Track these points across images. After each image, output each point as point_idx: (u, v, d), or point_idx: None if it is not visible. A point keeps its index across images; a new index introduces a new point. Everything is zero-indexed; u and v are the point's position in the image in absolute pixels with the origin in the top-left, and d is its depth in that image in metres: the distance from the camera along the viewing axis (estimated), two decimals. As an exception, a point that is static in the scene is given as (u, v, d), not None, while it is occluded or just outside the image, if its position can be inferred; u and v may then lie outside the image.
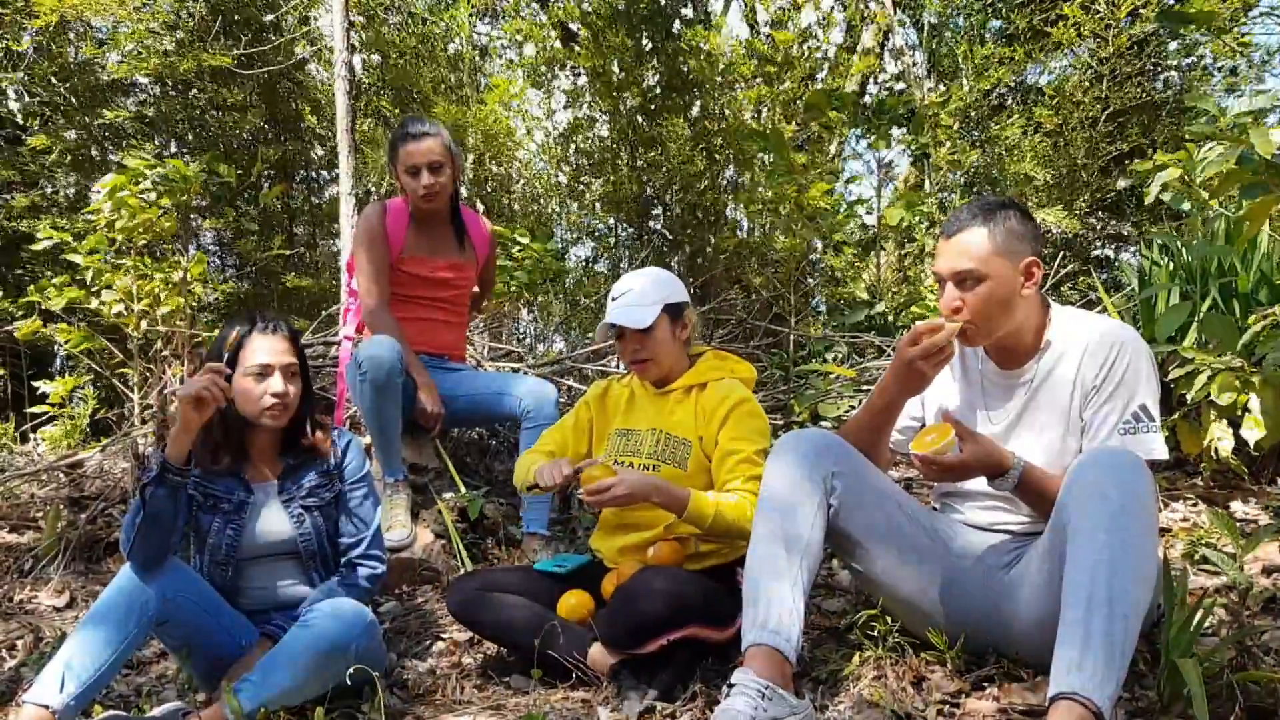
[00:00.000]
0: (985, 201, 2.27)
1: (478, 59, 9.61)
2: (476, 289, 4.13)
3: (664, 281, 2.73)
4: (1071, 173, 7.61)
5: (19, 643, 3.11)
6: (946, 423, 2.13)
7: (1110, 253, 8.90)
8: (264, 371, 2.52)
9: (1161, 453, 2.15)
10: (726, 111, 8.14)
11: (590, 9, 8.35)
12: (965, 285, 2.22)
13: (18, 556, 3.77)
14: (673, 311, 2.70)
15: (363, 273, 3.72)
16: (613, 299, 2.70)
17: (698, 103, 8.37)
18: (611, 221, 9.86)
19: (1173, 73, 8.23)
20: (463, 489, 3.75)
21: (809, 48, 8.13)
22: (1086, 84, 7.60)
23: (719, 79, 8.00)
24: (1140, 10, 7.18)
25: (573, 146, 9.37)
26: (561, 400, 3.87)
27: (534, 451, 2.87)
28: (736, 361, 2.82)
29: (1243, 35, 7.20)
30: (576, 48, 8.70)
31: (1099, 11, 7.24)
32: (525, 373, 5.04)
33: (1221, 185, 2.43)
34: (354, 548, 2.67)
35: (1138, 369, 2.17)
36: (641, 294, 2.67)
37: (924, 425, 2.49)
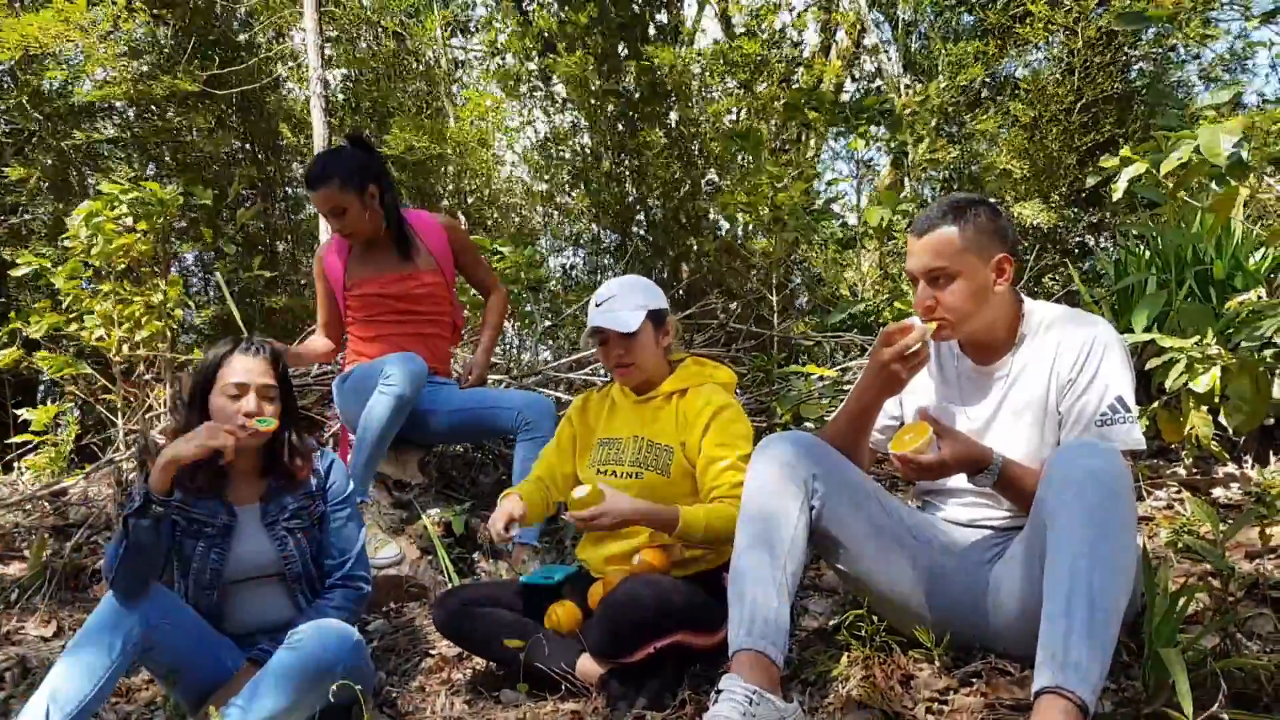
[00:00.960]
0: (954, 199, 2.29)
1: (453, 71, 9.61)
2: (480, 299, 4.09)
3: (646, 288, 2.75)
4: (1049, 165, 7.65)
5: (7, 675, 3.10)
6: (924, 421, 2.13)
7: (1090, 240, 8.94)
8: (239, 391, 2.52)
9: (1138, 443, 2.16)
10: (702, 116, 8.16)
11: (565, 18, 8.36)
12: (938, 283, 2.23)
13: (3, 587, 3.75)
14: (655, 318, 2.71)
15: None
16: (595, 304, 2.71)
17: (674, 111, 8.39)
18: (594, 229, 9.87)
19: (1146, 62, 8.28)
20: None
21: (783, 51, 8.15)
22: (1059, 76, 7.64)
23: (694, 83, 8.01)
24: (1110, 1, 7.23)
25: (552, 155, 9.38)
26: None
27: (526, 481, 2.89)
28: (716, 367, 2.83)
29: (1213, 24, 7.25)
30: (554, 57, 8.71)
31: (1066, 4, 7.28)
32: (509, 385, 5.03)
33: (1183, 180, 2.45)
34: (339, 568, 2.66)
35: (1112, 360, 2.18)
36: (625, 299, 2.68)
37: (903, 424, 2.50)
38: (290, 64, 9.70)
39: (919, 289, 2.27)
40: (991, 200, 2.35)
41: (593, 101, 8.36)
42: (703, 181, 8.47)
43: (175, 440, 2.43)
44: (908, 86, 8.34)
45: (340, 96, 9.70)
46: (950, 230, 2.22)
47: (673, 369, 2.79)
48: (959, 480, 2.31)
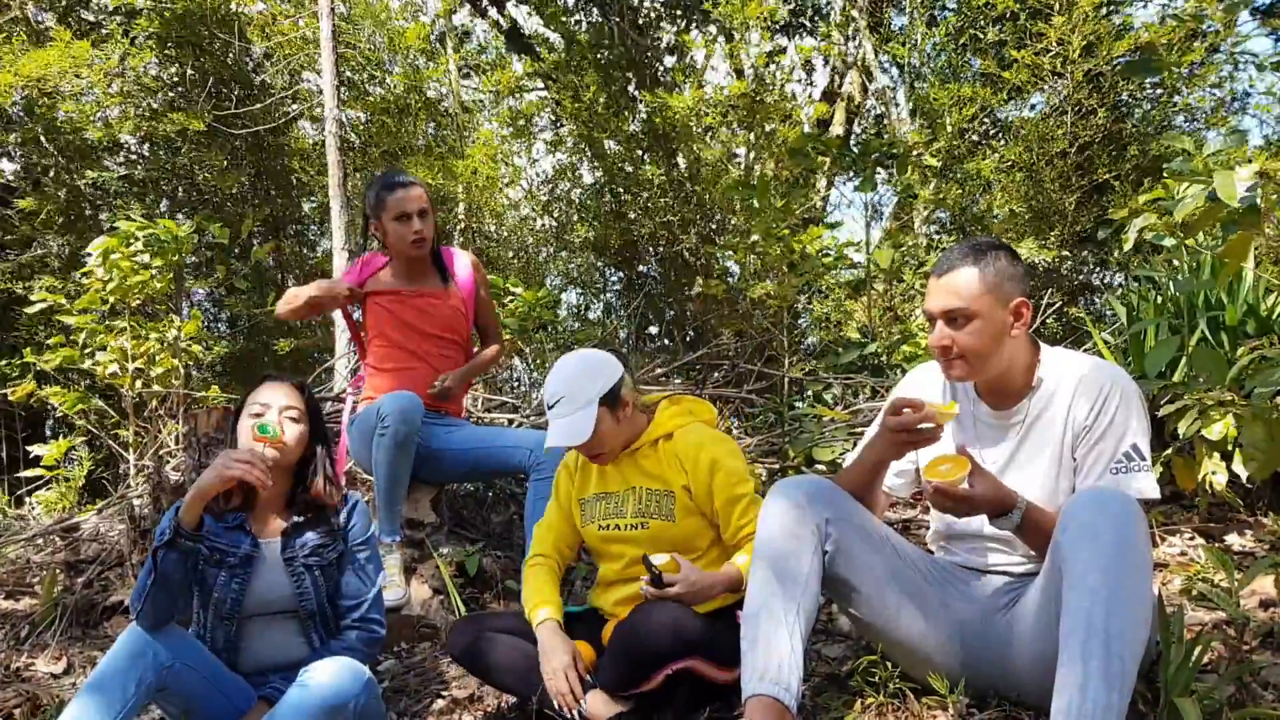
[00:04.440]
0: (975, 242, 2.31)
1: (462, 113, 9.71)
2: (479, 344, 4.08)
3: (588, 374, 2.63)
4: (1048, 205, 7.70)
5: (16, 712, 3.09)
6: (963, 457, 2.12)
7: (1095, 280, 8.95)
8: (261, 411, 2.57)
9: (1153, 492, 2.16)
10: (705, 156, 8.22)
11: (571, 56, 8.46)
12: (956, 324, 2.25)
13: (14, 623, 3.75)
14: (609, 400, 2.62)
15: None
16: (548, 407, 2.64)
17: (679, 154, 8.46)
18: (600, 267, 9.93)
19: (1145, 104, 8.33)
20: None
21: (782, 89, 8.22)
22: (1053, 120, 7.72)
23: (696, 127, 8.08)
24: (1093, 46, 7.31)
25: (558, 193, 9.46)
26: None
27: (534, 565, 2.82)
28: (694, 402, 2.82)
29: (1197, 70, 7.36)
30: (557, 97, 8.81)
31: (1050, 50, 7.37)
32: (519, 424, 5.05)
33: (1197, 225, 2.47)
34: (354, 610, 2.66)
35: (1128, 408, 2.19)
36: (574, 398, 2.59)
37: (917, 470, 2.51)
38: (304, 104, 9.80)
39: (936, 329, 2.28)
40: (1010, 245, 2.37)
41: (596, 134, 8.44)
42: (708, 224, 8.52)
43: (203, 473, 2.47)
44: (911, 128, 8.41)
45: (354, 137, 9.78)
46: (970, 272, 2.24)
47: (651, 413, 2.77)
48: (975, 525, 2.32)
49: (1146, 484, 2.15)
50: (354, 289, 3.78)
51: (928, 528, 2.61)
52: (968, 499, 2.11)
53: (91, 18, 10.00)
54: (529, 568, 2.82)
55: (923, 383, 2.53)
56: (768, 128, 7.91)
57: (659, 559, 2.45)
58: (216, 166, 9.28)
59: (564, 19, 9.38)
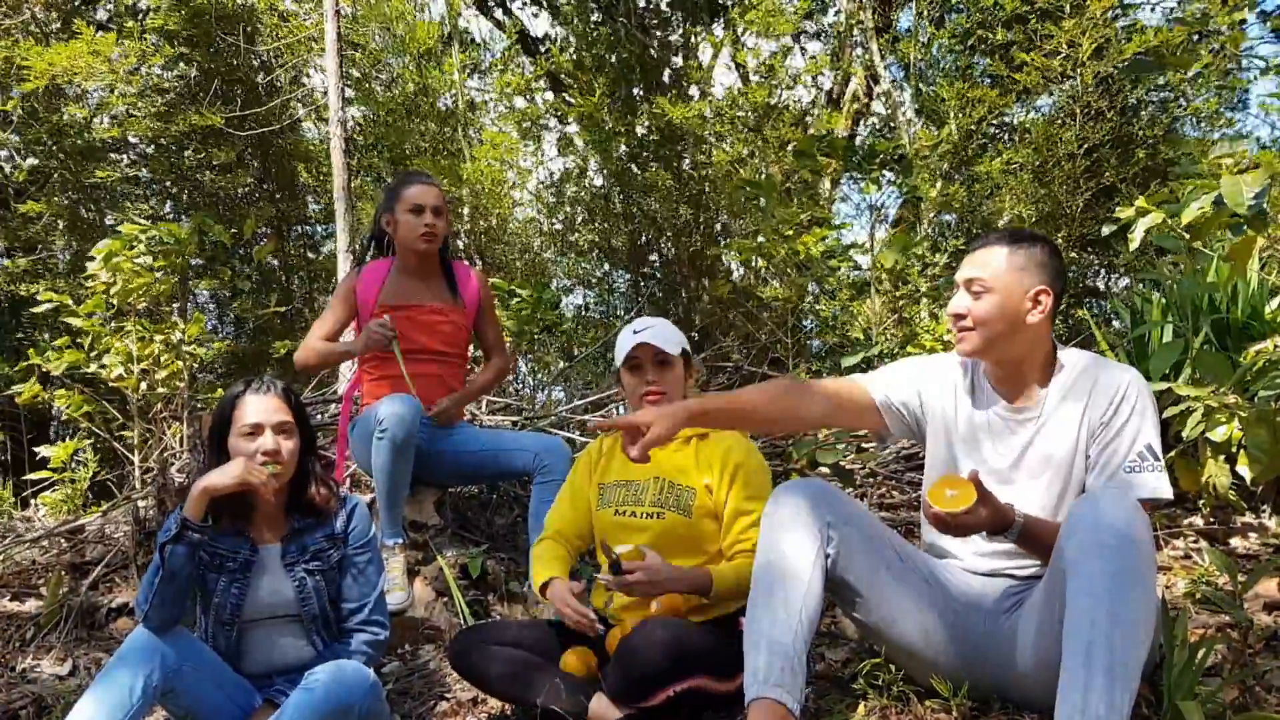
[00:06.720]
0: (1019, 229, 2.34)
1: (468, 113, 9.71)
2: (483, 357, 4.07)
3: (675, 330, 2.81)
4: (1056, 208, 7.69)
5: (22, 714, 3.10)
6: (971, 485, 2.11)
7: (1101, 285, 8.95)
8: (254, 431, 2.55)
9: (1166, 492, 2.17)
10: (713, 156, 8.21)
11: (578, 59, 8.47)
12: (974, 294, 2.27)
13: (19, 625, 3.76)
14: (686, 358, 2.79)
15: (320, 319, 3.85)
16: (634, 331, 2.74)
17: (687, 156, 8.46)
18: (606, 269, 9.93)
19: (1152, 107, 8.32)
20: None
21: (793, 94, 8.24)
22: (1061, 122, 7.71)
23: (705, 130, 8.08)
24: (1103, 49, 7.30)
25: (565, 195, 9.46)
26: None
27: (544, 543, 2.84)
28: None
29: (1205, 69, 7.35)
30: (567, 97, 8.82)
31: (1060, 53, 7.36)
32: (523, 427, 5.05)
33: (1203, 229, 2.47)
34: (357, 613, 2.67)
35: (1143, 409, 2.21)
36: (666, 330, 2.75)
37: (918, 422, 2.50)
38: (309, 105, 9.81)
39: (956, 296, 2.31)
40: (1052, 241, 2.39)
41: (604, 140, 8.44)
42: (714, 225, 8.52)
43: (211, 471, 2.48)
44: (917, 129, 8.40)
45: (359, 138, 9.80)
46: (1001, 250, 2.28)
47: None
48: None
49: (1160, 483, 2.16)
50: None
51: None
52: (964, 525, 2.12)
53: (103, 16, 10.03)
54: (538, 545, 2.85)
55: (934, 373, 2.52)
56: (774, 131, 7.92)
57: (623, 548, 2.47)
58: (222, 166, 9.30)
59: (573, 19, 9.40)
